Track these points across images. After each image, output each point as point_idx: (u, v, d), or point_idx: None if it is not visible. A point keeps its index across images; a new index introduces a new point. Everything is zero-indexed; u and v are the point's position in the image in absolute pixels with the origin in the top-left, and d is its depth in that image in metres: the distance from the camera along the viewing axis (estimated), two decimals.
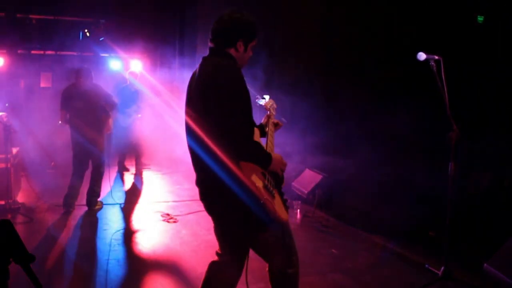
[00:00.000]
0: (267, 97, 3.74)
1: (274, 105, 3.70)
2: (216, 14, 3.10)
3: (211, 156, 2.92)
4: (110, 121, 7.18)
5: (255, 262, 3.38)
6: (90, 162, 7.10)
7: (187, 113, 3.11)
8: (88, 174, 7.14)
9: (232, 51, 3.03)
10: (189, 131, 3.09)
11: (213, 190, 3.01)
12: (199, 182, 3.12)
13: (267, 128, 3.47)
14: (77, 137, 6.84)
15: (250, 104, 2.93)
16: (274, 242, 3.08)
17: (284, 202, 3.06)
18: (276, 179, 3.08)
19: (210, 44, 3.09)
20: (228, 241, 3.22)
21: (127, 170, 10.10)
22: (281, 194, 3.06)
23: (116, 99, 7.16)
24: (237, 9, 3.09)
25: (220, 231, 3.21)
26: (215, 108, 2.82)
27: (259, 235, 3.04)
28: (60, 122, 6.97)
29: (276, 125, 3.59)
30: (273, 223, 2.95)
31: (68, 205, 6.88)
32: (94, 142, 6.89)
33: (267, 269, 3.21)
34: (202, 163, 2.99)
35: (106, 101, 7.00)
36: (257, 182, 2.87)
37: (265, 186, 2.89)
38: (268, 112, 3.63)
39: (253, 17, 3.10)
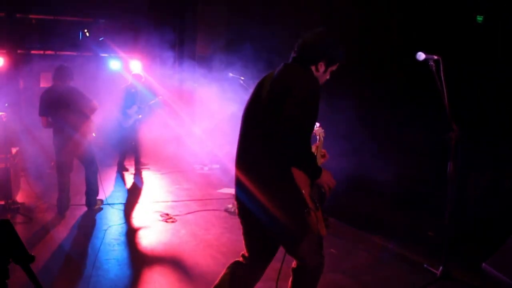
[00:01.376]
0: (317, 124, 3.68)
1: (323, 134, 3.69)
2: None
3: (267, 156, 2.95)
4: (92, 124, 7.02)
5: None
6: (80, 164, 7.06)
7: (252, 109, 3.14)
8: (81, 176, 7.13)
9: (313, 68, 3.09)
10: (250, 124, 3.12)
11: (265, 191, 3.00)
12: (243, 183, 3.10)
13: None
14: (59, 137, 6.71)
15: (316, 119, 2.98)
16: (312, 245, 3.13)
17: (325, 219, 3.13)
18: (320, 196, 3.12)
19: (294, 54, 3.14)
20: (266, 244, 3.25)
21: (127, 170, 10.10)
22: (322, 211, 3.11)
23: (96, 104, 7.01)
24: (328, 30, 3.15)
25: (259, 233, 3.21)
26: (288, 108, 2.81)
27: (304, 236, 3.05)
28: (43, 126, 6.86)
29: (323, 156, 3.61)
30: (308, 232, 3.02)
31: (61, 210, 6.83)
32: (78, 142, 6.79)
33: (293, 266, 3.26)
34: (257, 163, 3.02)
35: (87, 105, 6.83)
36: (305, 191, 2.95)
37: (311, 197, 2.97)
38: (318, 140, 3.63)
39: (342, 44, 3.16)
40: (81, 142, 6.83)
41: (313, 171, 2.98)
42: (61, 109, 6.63)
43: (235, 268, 3.34)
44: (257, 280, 3.37)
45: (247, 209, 3.13)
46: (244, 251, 3.36)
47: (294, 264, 3.27)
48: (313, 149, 3.55)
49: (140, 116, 9.88)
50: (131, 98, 9.77)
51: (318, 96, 2.90)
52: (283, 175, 2.92)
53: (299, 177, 2.93)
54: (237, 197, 3.22)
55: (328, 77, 3.21)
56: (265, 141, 2.94)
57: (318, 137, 3.64)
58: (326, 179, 3.04)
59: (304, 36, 3.13)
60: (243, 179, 3.09)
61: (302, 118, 2.82)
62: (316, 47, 3.08)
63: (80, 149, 6.85)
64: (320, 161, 3.52)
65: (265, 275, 3.40)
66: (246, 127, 3.15)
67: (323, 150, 3.63)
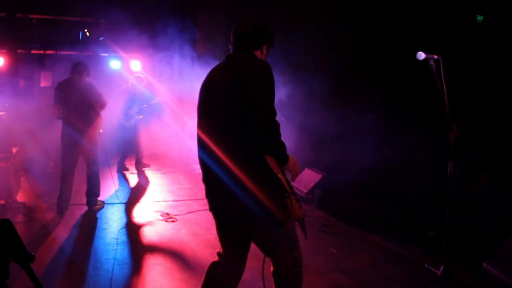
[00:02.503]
0: None
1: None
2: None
3: (235, 149, 2.99)
4: (101, 120, 7.07)
5: (253, 262, 3.39)
6: (83, 161, 7.06)
7: (206, 108, 3.18)
8: (83, 175, 7.14)
9: (257, 53, 3.22)
10: (209, 124, 3.15)
11: (233, 185, 3.01)
12: (214, 178, 3.10)
13: None
14: (68, 133, 6.75)
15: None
16: (286, 240, 3.13)
17: (298, 201, 3.14)
18: (288, 181, 3.16)
19: (234, 45, 3.25)
20: (238, 239, 3.27)
21: (127, 169, 10.11)
22: (294, 194, 3.14)
23: (105, 100, 7.04)
24: (258, 17, 3.38)
25: (231, 229, 3.24)
26: (250, 98, 2.89)
27: (273, 232, 3.07)
28: (55, 116, 6.89)
29: None
30: (289, 220, 3.05)
31: (61, 209, 6.84)
32: (87, 139, 6.83)
33: (271, 268, 3.23)
34: (223, 157, 3.02)
35: (97, 100, 6.90)
36: (280, 176, 3.03)
37: (287, 181, 3.06)
38: None
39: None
40: (90, 137, 6.88)
41: (285, 157, 3.05)
42: (73, 101, 6.72)
43: (213, 269, 3.35)
44: (237, 278, 3.35)
45: (221, 202, 3.15)
46: (219, 248, 3.37)
47: (271, 267, 3.24)
48: None
49: (141, 116, 9.90)
50: (132, 99, 9.80)
51: (273, 75, 2.99)
52: (261, 163, 2.97)
53: (272, 164, 2.99)
54: (209, 192, 3.23)
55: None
56: (236, 134, 2.97)
57: None
58: (293, 164, 3.13)
59: (241, 25, 3.25)
60: (217, 172, 3.08)
61: (272, 105, 2.93)
62: (259, 32, 3.23)
63: (87, 145, 6.88)
64: None
65: (254, 277, 3.40)
66: (210, 126, 3.14)
67: None
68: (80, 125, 6.76)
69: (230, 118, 2.98)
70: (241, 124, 2.94)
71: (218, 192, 3.13)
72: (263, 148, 2.95)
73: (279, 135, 2.95)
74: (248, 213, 2.99)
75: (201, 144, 3.19)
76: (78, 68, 6.92)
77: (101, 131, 7.11)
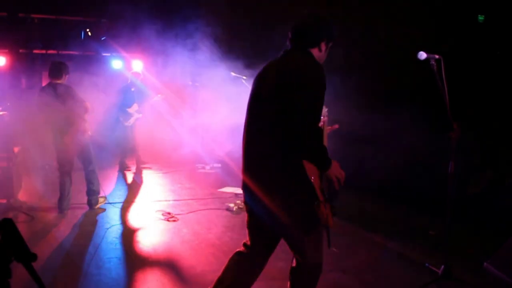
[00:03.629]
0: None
1: (326, 113, 3.68)
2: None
3: (278, 149, 2.94)
4: (86, 124, 6.97)
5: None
6: (80, 162, 7.07)
7: (254, 101, 3.16)
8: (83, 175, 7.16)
9: (315, 50, 3.14)
10: (253, 119, 3.14)
11: (276, 183, 3.00)
12: (251, 173, 3.10)
13: None
14: (58, 138, 6.72)
15: (322, 106, 3.01)
16: (311, 244, 3.13)
17: (333, 212, 3.11)
18: (330, 188, 3.12)
19: (291, 41, 3.18)
20: (266, 235, 3.26)
21: (129, 168, 10.12)
22: (331, 203, 3.11)
23: (88, 105, 6.98)
24: (318, 12, 3.23)
25: (261, 224, 3.22)
26: (296, 100, 2.83)
27: (300, 234, 3.06)
28: (42, 124, 6.84)
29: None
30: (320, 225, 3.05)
31: (61, 209, 6.85)
32: (75, 142, 6.78)
33: (293, 264, 3.26)
34: (261, 155, 3.03)
35: (80, 105, 6.77)
36: (315, 183, 2.96)
37: (321, 189, 3.00)
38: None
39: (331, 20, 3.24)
40: (78, 141, 6.82)
41: (324, 162, 2.98)
42: (58, 107, 6.61)
43: (237, 258, 3.36)
44: (259, 269, 3.37)
45: (254, 201, 3.13)
46: (246, 239, 3.38)
47: (293, 263, 3.27)
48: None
49: (141, 115, 9.90)
50: (131, 97, 9.79)
51: (325, 83, 2.93)
52: (295, 167, 2.93)
53: (309, 168, 2.94)
54: (245, 189, 3.21)
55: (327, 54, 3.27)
56: (275, 134, 2.94)
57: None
58: (335, 170, 3.04)
59: (299, 21, 3.17)
60: (252, 172, 3.09)
61: (315, 110, 2.87)
62: (317, 28, 3.14)
63: (78, 148, 6.86)
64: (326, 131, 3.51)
65: (266, 274, 3.41)
66: (253, 121, 3.14)
67: (328, 128, 3.62)
68: (66, 129, 6.66)
69: (272, 117, 2.95)
70: (281, 125, 2.88)
71: (253, 186, 3.09)
72: (300, 152, 2.91)
73: (317, 139, 2.91)
74: (277, 212, 2.99)
75: (244, 136, 3.19)
76: (60, 71, 6.79)
77: (89, 133, 7.05)
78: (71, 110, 6.66)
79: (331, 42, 3.22)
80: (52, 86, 6.73)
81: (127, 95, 9.77)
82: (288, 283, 3.30)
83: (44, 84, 7.50)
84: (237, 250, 3.40)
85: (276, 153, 2.95)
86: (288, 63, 3.05)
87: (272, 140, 2.96)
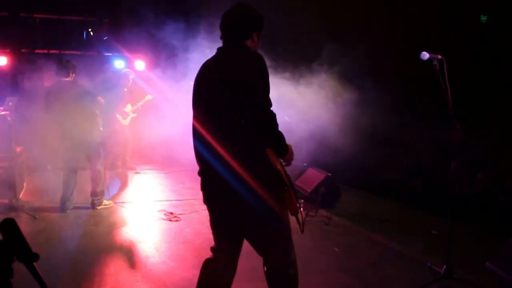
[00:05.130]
0: None
1: None
2: (218, 14, 3.14)
3: (233, 143, 2.95)
4: (98, 118, 7.01)
5: (250, 261, 3.39)
6: (87, 161, 7.08)
7: (202, 103, 3.14)
8: (87, 174, 7.15)
9: (248, 42, 3.17)
10: (205, 118, 3.11)
11: (231, 178, 2.98)
12: (212, 171, 3.07)
13: None
14: (68, 134, 6.71)
15: None
16: (280, 241, 3.11)
17: (296, 194, 3.11)
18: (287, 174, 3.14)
19: (224, 36, 3.20)
20: (232, 233, 3.24)
21: (134, 169, 10.15)
22: (292, 187, 3.12)
23: (101, 99, 6.99)
24: (245, 4, 3.24)
25: (226, 222, 3.22)
26: (244, 92, 2.86)
27: (268, 228, 3.05)
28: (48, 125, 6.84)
29: None
30: (285, 218, 3.04)
31: (63, 208, 6.85)
32: (88, 140, 6.81)
33: (264, 268, 3.21)
34: (221, 150, 3.00)
35: (92, 100, 6.85)
36: (280, 169, 2.99)
37: (286, 175, 3.03)
38: None
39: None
40: (88, 139, 6.83)
41: (285, 147, 3.06)
42: (66, 106, 6.62)
43: (207, 264, 3.36)
44: (230, 274, 3.31)
45: (218, 195, 3.12)
46: (213, 243, 3.37)
47: (264, 268, 3.21)
48: None
49: (135, 115, 9.94)
50: (124, 97, 9.81)
51: (267, 67, 2.96)
52: (259, 156, 2.95)
53: (271, 156, 2.97)
54: (205, 185, 3.21)
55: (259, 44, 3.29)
56: (232, 127, 2.94)
57: None
58: (291, 153, 3.13)
59: (227, 16, 3.19)
60: (216, 170, 3.04)
61: (267, 96, 2.91)
62: (245, 22, 3.17)
63: (87, 146, 6.86)
64: None
65: (251, 275, 3.39)
66: (206, 121, 3.11)
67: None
68: (75, 126, 6.67)
69: (226, 112, 2.95)
70: (238, 118, 2.90)
71: (215, 185, 3.10)
72: (262, 140, 2.94)
73: (276, 126, 2.94)
74: (245, 207, 2.97)
75: (197, 137, 3.17)
76: (67, 69, 6.81)
77: (101, 129, 7.07)
78: (80, 106, 6.67)
79: (261, 31, 3.25)
80: (59, 84, 6.77)
81: (122, 95, 9.75)
82: None
83: (50, 83, 7.50)
84: (207, 257, 3.37)
85: (238, 145, 2.95)
86: (229, 58, 3.07)
87: (232, 134, 2.95)
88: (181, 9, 11.97)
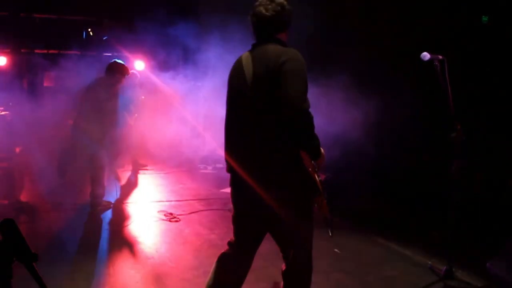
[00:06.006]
0: None
1: None
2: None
3: (269, 143, 2.91)
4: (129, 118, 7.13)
5: (256, 261, 3.38)
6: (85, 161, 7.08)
7: (236, 99, 3.13)
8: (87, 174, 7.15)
9: (283, 36, 3.13)
10: (239, 117, 3.10)
11: (263, 177, 2.97)
12: (242, 168, 3.05)
13: None
14: (102, 132, 6.82)
15: None
16: (308, 238, 3.14)
17: (328, 202, 3.12)
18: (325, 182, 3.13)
19: (256, 32, 3.15)
20: (255, 229, 3.23)
21: (145, 167, 10.16)
22: (324, 192, 3.10)
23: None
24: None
25: (252, 217, 3.19)
26: (283, 90, 2.78)
27: (301, 224, 3.06)
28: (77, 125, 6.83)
29: None
30: (311, 218, 3.07)
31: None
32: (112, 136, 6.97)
33: (283, 267, 3.22)
34: (253, 146, 2.98)
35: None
36: (313, 173, 2.95)
37: (319, 180, 3.00)
38: None
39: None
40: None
41: (318, 151, 2.97)
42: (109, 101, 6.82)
43: (223, 259, 3.33)
44: (246, 268, 3.33)
45: (246, 193, 3.07)
46: (231, 238, 3.35)
47: (283, 266, 3.23)
48: None
49: (136, 115, 9.94)
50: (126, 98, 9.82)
51: (305, 66, 2.90)
52: (295, 158, 2.89)
53: (306, 161, 2.91)
54: (233, 182, 3.19)
55: None
56: (268, 126, 2.90)
57: None
58: (323, 158, 3.09)
59: (261, 9, 3.10)
60: (249, 167, 3.02)
61: (304, 96, 2.80)
62: (280, 17, 3.10)
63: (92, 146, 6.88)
64: None
65: (257, 277, 3.39)
66: (240, 118, 3.09)
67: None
68: (110, 124, 6.86)
69: (260, 109, 2.91)
70: (273, 118, 2.84)
71: (244, 182, 3.04)
72: (296, 142, 2.86)
73: (312, 128, 2.85)
74: (273, 205, 2.96)
75: (229, 133, 3.18)
76: (112, 70, 7.19)
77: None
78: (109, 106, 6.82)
79: (289, 29, 3.19)
80: (102, 81, 6.99)
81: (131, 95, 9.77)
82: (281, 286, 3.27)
83: (49, 85, 7.56)
84: (222, 251, 3.37)
85: (273, 146, 2.91)
86: (263, 53, 3.00)
87: (268, 134, 2.91)
88: (181, 9, 11.98)
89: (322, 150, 3.02)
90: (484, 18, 6.79)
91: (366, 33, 8.09)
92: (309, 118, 2.81)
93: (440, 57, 4.29)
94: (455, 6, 6.99)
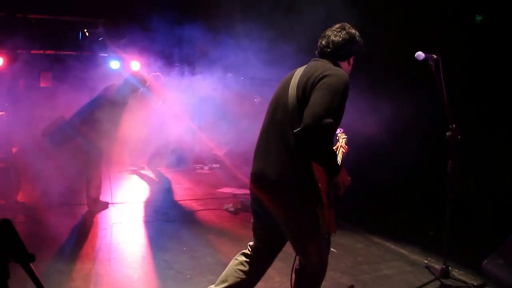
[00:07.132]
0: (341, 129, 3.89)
1: (345, 140, 3.87)
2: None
3: (290, 149, 2.93)
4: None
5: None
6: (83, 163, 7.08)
7: (274, 105, 3.16)
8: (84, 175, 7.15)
9: (344, 64, 3.19)
10: (273, 120, 3.12)
11: (286, 183, 2.97)
12: (263, 172, 3.07)
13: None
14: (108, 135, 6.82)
15: (341, 116, 2.97)
16: (320, 247, 3.14)
17: (335, 214, 3.10)
18: (335, 194, 3.11)
19: (321, 51, 3.20)
20: (277, 232, 3.23)
21: (143, 168, 10.17)
22: (332, 206, 3.07)
23: None
24: (349, 26, 3.23)
25: (271, 227, 3.22)
26: (311, 102, 2.80)
27: (314, 233, 3.05)
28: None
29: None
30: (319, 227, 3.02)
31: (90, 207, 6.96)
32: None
33: (296, 267, 3.27)
34: (274, 151, 3.01)
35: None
36: (322, 186, 2.92)
37: (327, 193, 2.96)
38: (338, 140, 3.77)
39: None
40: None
41: (335, 168, 2.99)
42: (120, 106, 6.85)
43: (241, 259, 3.38)
44: (263, 271, 3.40)
45: (263, 202, 3.13)
46: (251, 242, 3.39)
47: (297, 265, 3.27)
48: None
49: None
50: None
51: (347, 92, 2.90)
52: (302, 167, 2.89)
53: (319, 172, 2.91)
54: (254, 190, 3.22)
55: None
56: (287, 134, 2.94)
57: (338, 138, 3.71)
58: (343, 177, 3.07)
59: (332, 34, 3.17)
60: (265, 173, 3.05)
61: (324, 111, 2.73)
62: (351, 44, 3.16)
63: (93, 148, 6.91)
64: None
65: (266, 275, 3.41)
66: (272, 123, 3.12)
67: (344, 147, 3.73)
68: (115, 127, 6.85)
69: (288, 117, 2.95)
70: (295, 125, 2.87)
71: (262, 186, 3.11)
72: (309, 152, 2.86)
73: (325, 141, 2.82)
74: (283, 213, 3.03)
75: (260, 137, 3.21)
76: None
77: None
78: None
79: (358, 55, 3.25)
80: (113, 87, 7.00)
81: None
82: (292, 284, 3.30)
83: (46, 85, 7.58)
84: (243, 251, 3.42)
85: (288, 153, 2.94)
86: (316, 66, 3.03)
87: (286, 141, 2.95)
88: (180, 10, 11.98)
89: (342, 169, 3.05)
90: (478, 18, 6.80)
91: (361, 33, 8.09)
92: (326, 131, 2.75)
93: (435, 56, 4.30)
94: (450, 6, 7.01)
